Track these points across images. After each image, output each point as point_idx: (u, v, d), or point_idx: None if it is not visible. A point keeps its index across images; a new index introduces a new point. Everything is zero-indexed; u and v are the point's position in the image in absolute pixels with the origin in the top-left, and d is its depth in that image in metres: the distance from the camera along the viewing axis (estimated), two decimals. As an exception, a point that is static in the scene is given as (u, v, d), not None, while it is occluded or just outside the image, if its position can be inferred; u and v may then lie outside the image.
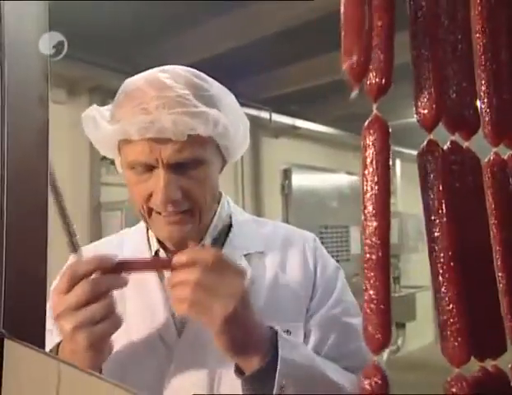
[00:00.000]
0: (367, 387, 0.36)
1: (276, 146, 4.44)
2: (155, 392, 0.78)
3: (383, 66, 0.40)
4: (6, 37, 0.69)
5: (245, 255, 0.87)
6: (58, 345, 0.72)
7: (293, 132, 4.42)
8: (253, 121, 3.98)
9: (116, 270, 0.69)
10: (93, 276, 0.68)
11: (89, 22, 2.45)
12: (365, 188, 0.39)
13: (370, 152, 0.39)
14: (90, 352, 0.65)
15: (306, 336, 0.84)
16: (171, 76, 0.78)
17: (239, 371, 0.71)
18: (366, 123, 0.40)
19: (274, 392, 0.68)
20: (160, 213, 0.78)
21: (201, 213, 0.80)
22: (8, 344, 0.58)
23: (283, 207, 4.44)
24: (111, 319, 0.67)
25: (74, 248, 0.72)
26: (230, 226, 0.90)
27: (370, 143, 0.39)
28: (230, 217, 0.91)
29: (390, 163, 0.40)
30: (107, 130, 0.77)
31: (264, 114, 3.98)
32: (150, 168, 0.76)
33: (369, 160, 0.39)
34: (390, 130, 0.40)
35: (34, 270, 0.67)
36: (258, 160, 4.30)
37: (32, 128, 0.71)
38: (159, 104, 0.74)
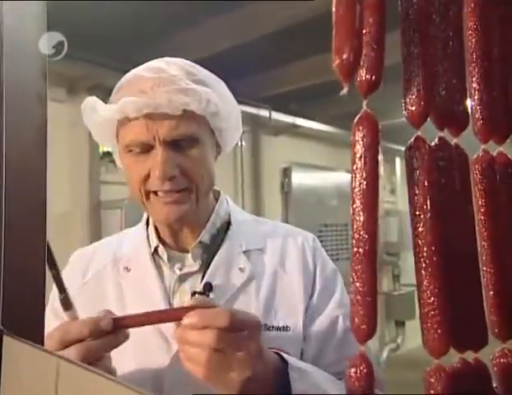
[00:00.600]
0: (353, 375, 0.37)
1: (275, 145, 4.44)
2: (155, 386, 0.79)
3: (373, 63, 0.41)
4: (4, 35, 0.69)
5: (244, 252, 0.88)
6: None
7: (293, 130, 4.42)
8: (253, 119, 3.99)
9: (113, 330, 0.65)
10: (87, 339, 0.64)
11: (88, 21, 2.45)
12: (353, 183, 0.39)
13: (359, 148, 0.40)
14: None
15: (307, 339, 0.85)
16: (167, 63, 0.82)
17: None
18: (356, 120, 0.41)
19: None
20: (157, 193, 0.80)
21: (198, 193, 0.81)
22: (7, 340, 0.58)
23: (283, 206, 4.45)
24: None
25: (67, 305, 0.69)
26: (228, 224, 0.91)
27: (359, 139, 0.40)
28: (229, 216, 0.92)
29: (379, 159, 0.40)
30: (105, 112, 0.80)
31: (264, 113, 3.99)
32: (147, 148, 0.78)
33: (358, 156, 0.40)
34: (380, 127, 0.41)
35: (34, 266, 0.68)
36: (258, 159, 4.30)
37: (31, 127, 0.71)
38: (154, 83, 0.78)
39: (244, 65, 3.09)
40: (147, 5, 2.34)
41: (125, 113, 0.77)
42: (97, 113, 0.81)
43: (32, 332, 0.63)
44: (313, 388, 0.72)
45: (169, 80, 0.78)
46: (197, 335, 0.62)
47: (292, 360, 0.73)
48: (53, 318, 0.88)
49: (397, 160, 5.84)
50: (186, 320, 0.63)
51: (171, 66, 0.81)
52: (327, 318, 0.87)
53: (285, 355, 0.72)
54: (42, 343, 0.66)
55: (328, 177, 4.84)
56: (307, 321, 0.86)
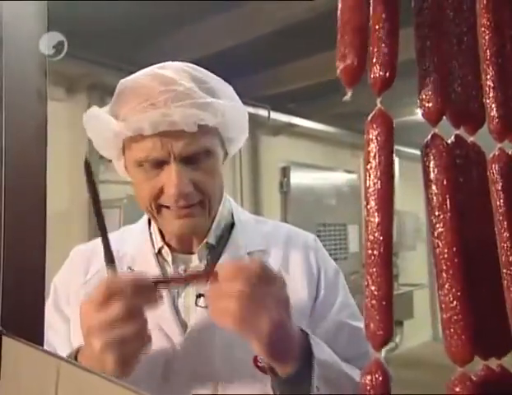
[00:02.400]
0: (368, 382, 0.36)
1: (274, 144, 4.43)
2: (161, 388, 0.77)
3: (387, 59, 0.40)
4: (4, 33, 0.68)
5: (248, 253, 0.87)
6: (78, 351, 0.70)
7: (291, 130, 4.41)
8: (252, 119, 3.93)
9: (152, 288, 0.66)
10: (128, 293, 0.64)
11: (87, 20, 2.44)
12: (367, 182, 0.38)
13: (373, 147, 0.38)
14: (117, 370, 0.62)
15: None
16: (173, 71, 0.79)
17: (272, 372, 0.70)
18: (370, 117, 0.39)
19: (311, 392, 0.68)
20: (169, 207, 0.78)
21: (210, 205, 0.80)
22: (6, 341, 0.57)
23: (281, 205, 4.43)
24: (142, 340, 0.64)
25: (110, 259, 0.71)
26: (232, 224, 0.90)
27: (374, 137, 0.39)
28: (232, 216, 0.91)
29: (394, 158, 0.39)
30: (115, 128, 0.76)
31: (262, 112, 3.97)
32: (159, 164, 0.76)
33: (372, 155, 0.38)
34: (394, 125, 0.40)
35: (33, 266, 0.67)
36: (257, 158, 4.29)
37: (31, 124, 0.70)
38: (167, 98, 0.74)
39: (243, 65, 3.08)
40: (147, 4, 2.33)
41: (140, 130, 0.74)
42: (106, 129, 0.78)
43: (31, 332, 0.62)
44: (331, 358, 0.74)
45: (183, 93, 0.75)
46: (228, 285, 0.63)
47: (311, 334, 0.74)
48: (53, 310, 0.88)
49: (397, 160, 5.84)
50: (218, 269, 0.65)
51: (181, 75, 0.78)
52: (333, 320, 0.86)
53: (305, 329, 0.74)
54: (41, 344, 0.65)
55: (327, 176, 4.84)
56: (313, 324, 0.84)
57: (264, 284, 0.64)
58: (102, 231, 0.70)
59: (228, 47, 2.83)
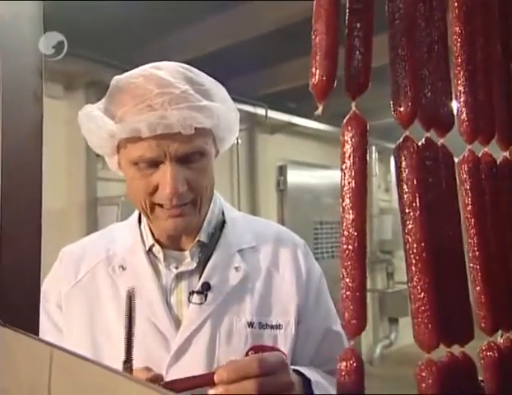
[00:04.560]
0: (343, 368, 0.38)
1: (271, 143, 4.45)
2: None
3: (361, 66, 0.42)
4: (0, 33, 0.70)
5: (239, 251, 0.89)
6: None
7: (288, 128, 4.44)
8: (249, 118, 3.99)
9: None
10: None
11: (86, 18, 2.45)
12: (342, 182, 0.41)
13: (348, 148, 0.41)
14: None
15: (304, 341, 0.87)
16: (169, 72, 0.80)
17: None
18: (345, 120, 0.42)
19: None
20: (162, 206, 0.80)
21: (201, 203, 0.82)
22: (3, 331, 0.59)
23: (278, 203, 4.46)
24: None
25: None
26: (223, 223, 0.91)
27: (348, 139, 0.41)
28: (223, 214, 0.93)
29: (367, 158, 0.42)
30: (112, 129, 0.78)
31: (260, 111, 4.00)
32: (154, 163, 0.78)
33: (347, 156, 0.41)
34: (368, 127, 0.42)
35: (29, 260, 0.68)
36: (254, 157, 4.31)
37: (27, 123, 0.72)
38: (164, 100, 0.75)
39: (241, 64, 3.10)
40: (146, 3, 2.34)
41: (137, 132, 0.75)
42: (101, 129, 0.79)
43: (28, 322, 0.64)
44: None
45: (180, 97, 0.76)
46: (237, 387, 0.65)
47: (312, 377, 0.78)
48: (45, 317, 0.88)
49: (392, 159, 5.84)
50: (220, 377, 0.66)
51: (176, 77, 0.79)
52: (319, 329, 0.89)
53: (304, 372, 0.77)
54: (37, 333, 0.67)
55: (324, 175, 4.86)
56: (303, 324, 0.87)
57: (269, 381, 0.67)
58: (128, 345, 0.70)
59: (226, 46, 2.85)
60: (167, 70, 0.80)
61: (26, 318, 0.62)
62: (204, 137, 0.80)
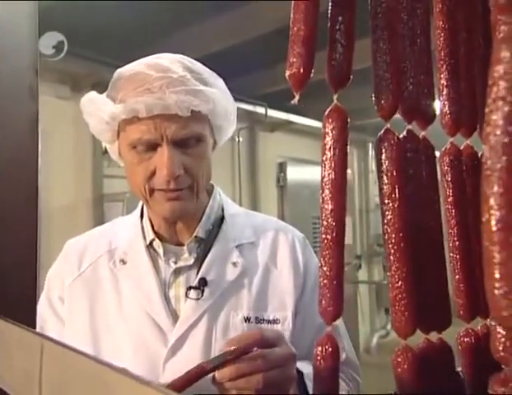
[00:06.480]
0: (319, 353, 0.39)
1: (271, 141, 4.47)
2: (153, 376, 0.80)
3: (342, 58, 0.43)
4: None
5: (237, 246, 0.89)
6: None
7: (288, 126, 4.46)
8: (250, 116, 4.02)
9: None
10: None
11: (91, 21, 2.46)
12: (322, 173, 0.41)
13: (329, 139, 0.41)
14: None
15: (301, 334, 0.87)
16: (169, 60, 0.82)
17: None
18: (326, 112, 0.43)
19: None
20: (160, 190, 0.81)
21: (198, 189, 0.83)
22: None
23: (278, 199, 4.50)
24: None
25: None
26: (222, 218, 0.92)
27: (329, 131, 0.42)
28: (222, 209, 0.93)
29: (348, 150, 0.42)
30: (112, 110, 0.80)
31: (260, 110, 4.02)
32: (152, 147, 0.79)
33: (327, 147, 0.42)
34: (349, 119, 0.43)
35: (26, 254, 0.69)
36: (255, 154, 4.33)
37: (22, 119, 0.73)
38: (162, 83, 0.78)
39: (242, 64, 3.11)
40: (148, 4, 2.36)
41: (136, 112, 0.77)
42: (102, 110, 0.81)
43: (25, 314, 0.65)
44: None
45: (177, 80, 0.78)
46: (247, 365, 0.66)
47: (305, 370, 0.78)
48: (47, 305, 0.90)
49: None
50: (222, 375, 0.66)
51: (175, 64, 0.81)
52: (317, 312, 0.89)
53: (298, 366, 0.78)
54: (33, 325, 0.68)
55: (323, 172, 4.86)
56: (300, 314, 0.88)
57: (273, 356, 0.68)
58: None
59: (227, 46, 2.86)
60: (167, 58, 0.83)
61: (23, 310, 0.62)
62: (201, 123, 0.81)
